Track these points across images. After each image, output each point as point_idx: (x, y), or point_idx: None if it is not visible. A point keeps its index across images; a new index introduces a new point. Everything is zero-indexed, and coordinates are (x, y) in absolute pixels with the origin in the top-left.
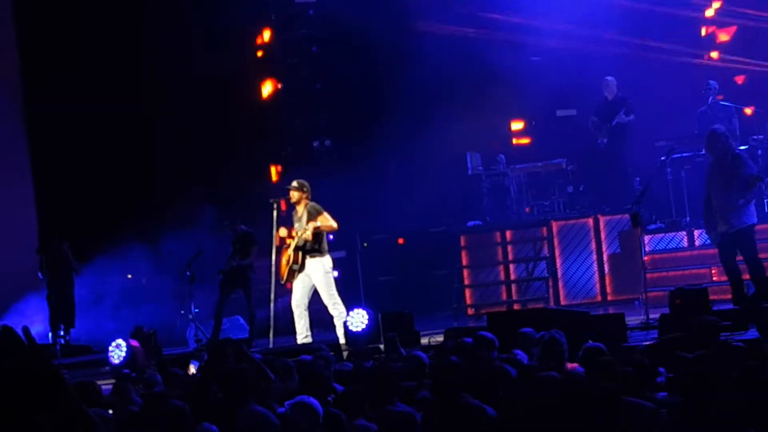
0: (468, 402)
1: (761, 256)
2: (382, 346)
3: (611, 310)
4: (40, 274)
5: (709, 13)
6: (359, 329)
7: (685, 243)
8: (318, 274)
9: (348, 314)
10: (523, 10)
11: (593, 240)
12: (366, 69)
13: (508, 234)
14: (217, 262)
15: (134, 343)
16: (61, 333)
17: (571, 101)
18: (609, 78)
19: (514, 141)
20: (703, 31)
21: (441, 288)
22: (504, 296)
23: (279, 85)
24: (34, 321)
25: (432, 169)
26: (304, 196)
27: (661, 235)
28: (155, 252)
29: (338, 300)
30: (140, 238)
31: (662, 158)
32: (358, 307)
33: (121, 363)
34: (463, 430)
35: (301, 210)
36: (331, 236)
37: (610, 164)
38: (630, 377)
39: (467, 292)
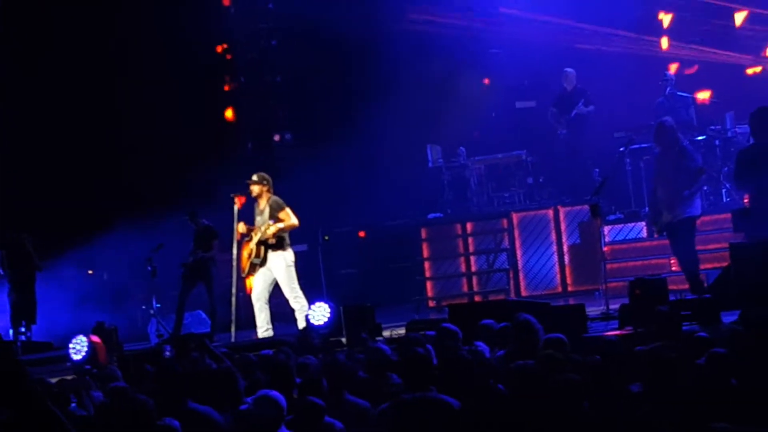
0: (435, 396)
1: (720, 245)
2: (344, 339)
3: (571, 301)
4: (0, 270)
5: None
6: (321, 322)
7: (644, 233)
8: (280, 268)
9: (310, 308)
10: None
11: (553, 231)
12: (326, 62)
13: (469, 226)
14: (179, 257)
15: (95, 338)
16: (22, 329)
17: (530, 93)
18: (568, 69)
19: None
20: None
21: (402, 280)
22: (465, 288)
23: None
24: None
25: (392, 162)
26: (265, 189)
27: (620, 225)
28: (116, 247)
29: (300, 293)
30: (101, 233)
31: (621, 149)
32: (319, 300)
33: (83, 359)
34: (431, 422)
35: (263, 204)
36: None
37: (570, 155)
38: (598, 368)
39: (428, 285)
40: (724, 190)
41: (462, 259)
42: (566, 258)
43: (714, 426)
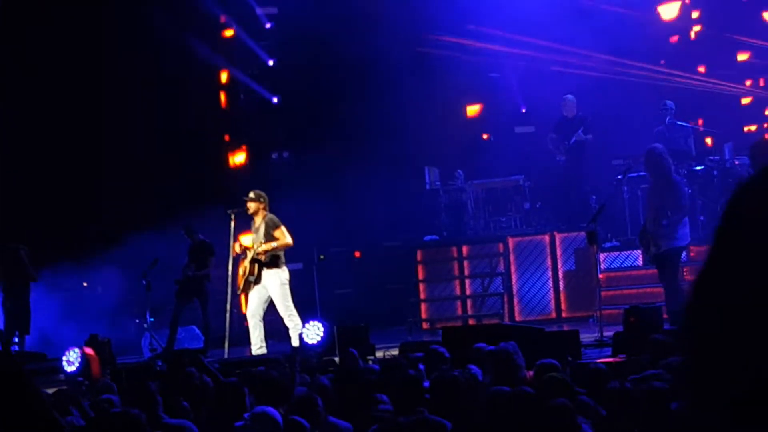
0: (427, 417)
1: None
2: (337, 359)
3: (565, 327)
4: None
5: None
6: (315, 341)
7: (639, 261)
8: (274, 286)
9: (304, 326)
10: (482, 27)
11: (549, 257)
12: (325, 82)
13: (465, 249)
14: (174, 271)
15: (89, 351)
16: (15, 339)
17: (530, 118)
18: (569, 96)
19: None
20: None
21: (397, 302)
22: (459, 311)
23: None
24: None
25: (390, 183)
26: (262, 206)
27: (616, 253)
28: (111, 260)
29: (294, 312)
30: (97, 246)
31: (619, 177)
32: (313, 319)
33: (76, 371)
34: None
35: (258, 221)
36: None
37: (567, 182)
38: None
39: (423, 307)
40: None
41: (457, 282)
42: (561, 284)
43: None
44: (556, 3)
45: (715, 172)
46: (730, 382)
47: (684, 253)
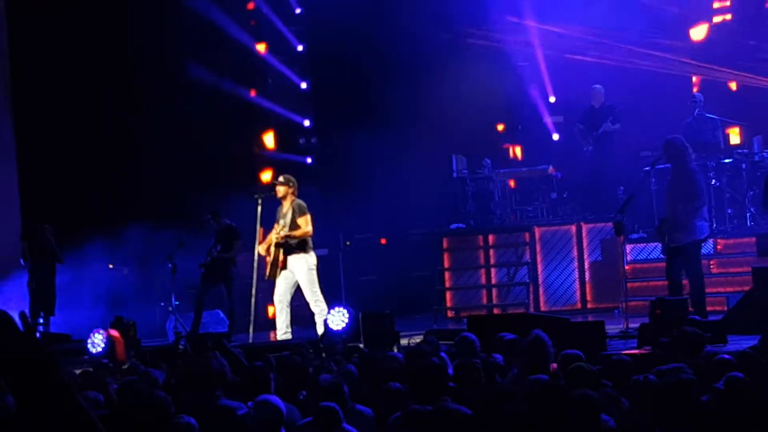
0: (449, 406)
1: (742, 269)
2: (361, 345)
3: (590, 318)
4: (22, 261)
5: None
6: (339, 328)
7: None
8: (302, 271)
9: (329, 312)
10: (513, 16)
11: (575, 247)
12: (354, 67)
13: (491, 238)
14: (201, 255)
15: (114, 333)
16: (40, 320)
17: (558, 108)
18: (597, 86)
19: (510, 153)
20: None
21: (422, 289)
22: (484, 300)
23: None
24: (11, 308)
25: (417, 171)
26: (290, 191)
27: (643, 244)
28: (137, 243)
29: (320, 297)
30: (123, 228)
31: (647, 168)
32: (338, 305)
33: (101, 353)
34: None
35: (286, 206)
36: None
37: (595, 172)
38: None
39: (448, 295)
40: (748, 214)
41: (482, 271)
42: (587, 275)
43: None
44: None
45: (744, 165)
46: None
47: (711, 246)
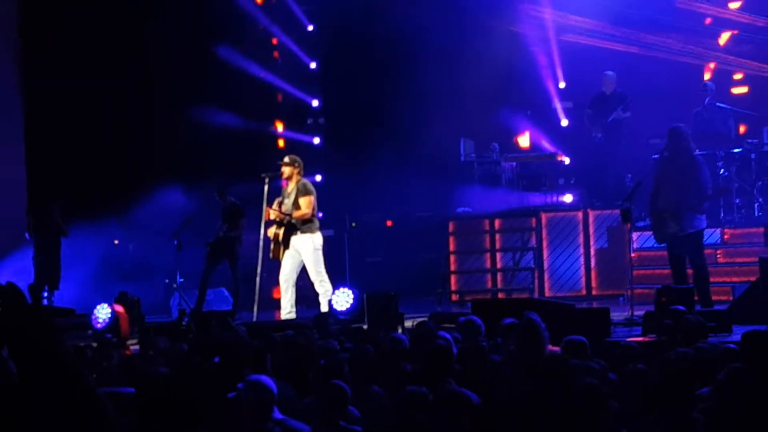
0: (454, 389)
1: (749, 259)
2: (365, 326)
3: (595, 305)
4: (27, 235)
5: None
6: (344, 308)
7: None
8: (307, 251)
9: (333, 293)
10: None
11: (581, 233)
12: (364, 49)
13: (497, 222)
14: (207, 232)
15: (119, 308)
16: (45, 294)
17: (568, 93)
18: (609, 72)
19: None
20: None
21: (427, 272)
22: (489, 284)
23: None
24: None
25: (425, 154)
26: (296, 171)
27: (649, 232)
28: (143, 219)
29: (325, 278)
30: (129, 204)
31: (655, 156)
32: (343, 286)
33: (104, 327)
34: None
35: (291, 186)
36: (320, 214)
37: (603, 159)
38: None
39: (453, 278)
40: (756, 204)
41: (488, 255)
42: (593, 261)
43: None
44: None
45: (753, 155)
46: None
47: (718, 236)
